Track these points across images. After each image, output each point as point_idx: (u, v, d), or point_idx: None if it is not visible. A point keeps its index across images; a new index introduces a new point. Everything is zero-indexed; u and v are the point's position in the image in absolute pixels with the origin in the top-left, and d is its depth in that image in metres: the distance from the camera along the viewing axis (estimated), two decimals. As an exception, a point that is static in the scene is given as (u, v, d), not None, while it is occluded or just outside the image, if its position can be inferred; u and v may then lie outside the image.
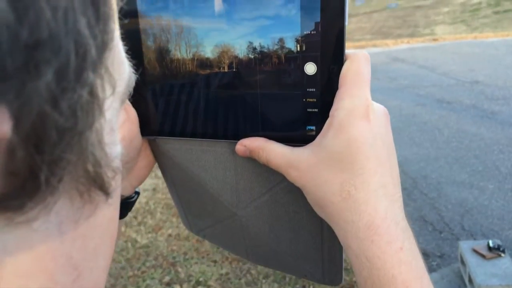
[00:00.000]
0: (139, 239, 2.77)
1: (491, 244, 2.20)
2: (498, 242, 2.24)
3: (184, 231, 2.80)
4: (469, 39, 10.54)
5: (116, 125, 0.20)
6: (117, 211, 0.23)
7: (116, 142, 0.19)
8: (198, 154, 0.44)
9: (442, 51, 8.89)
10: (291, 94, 0.40)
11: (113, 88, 0.18)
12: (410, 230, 0.36)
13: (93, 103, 0.16)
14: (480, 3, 19.92)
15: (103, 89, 0.16)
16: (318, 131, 0.39)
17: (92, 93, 0.16)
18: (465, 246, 2.30)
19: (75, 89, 0.14)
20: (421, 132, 4.37)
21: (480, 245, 2.26)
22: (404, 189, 3.24)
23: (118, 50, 0.19)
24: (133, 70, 0.21)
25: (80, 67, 0.14)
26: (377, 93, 5.57)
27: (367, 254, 0.34)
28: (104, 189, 0.18)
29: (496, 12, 17.17)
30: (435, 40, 10.68)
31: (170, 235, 2.81)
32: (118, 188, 0.21)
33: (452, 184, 3.36)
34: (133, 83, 0.20)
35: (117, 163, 0.19)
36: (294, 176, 0.38)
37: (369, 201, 0.35)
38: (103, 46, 0.16)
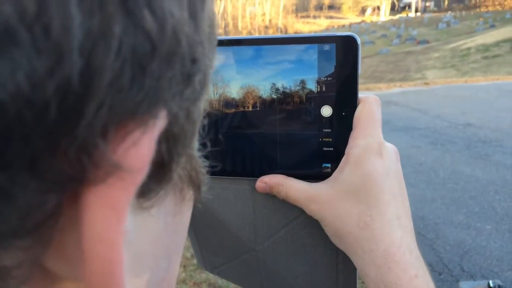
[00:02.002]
0: (135, 281, 2.72)
1: (491, 285, 2.18)
2: (499, 282, 2.22)
3: (181, 274, 2.76)
4: (460, 83, 10.77)
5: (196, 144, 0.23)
6: (190, 217, 0.26)
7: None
8: (219, 191, 0.46)
9: (434, 94, 9.06)
10: (308, 134, 0.43)
11: (206, 104, 0.21)
12: (422, 259, 0.39)
13: (201, 113, 0.19)
14: (469, 48, 20.49)
15: (203, 102, 0.20)
16: (334, 168, 0.42)
17: (199, 104, 0.19)
18: (465, 287, 2.27)
19: (201, 99, 0.18)
20: (416, 173, 4.39)
21: (481, 285, 2.24)
22: (402, 230, 3.22)
23: None
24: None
25: (204, 82, 0.18)
26: (372, 135, 5.60)
27: (384, 281, 0.37)
28: (198, 187, 0.22)
29: (485, 57, 17.64)
30: (426, 84, 10.90)
31: (166, 278, 2.77)
32: None
33: (450, 225, 3.35)
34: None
35: (204, 170, 0.22)
36: (313, 209, 0.41)
37: (385, 230, 0.38)
38: (212, 68, 0.20)
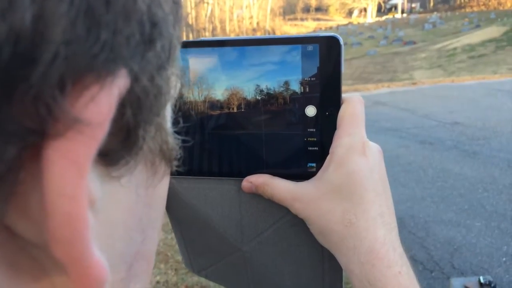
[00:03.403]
0: (127, 287, 2.70)
1: (482, 281, 2.21)
2: (489, 278, 2.24)
3: (173, 277, 2.75)
4: (446, 83, 10.86)
5: (169, 121, 0.23)
6: (166, 193, 0.27)
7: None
8: (206, 192, 0.46)
9: (422, 94, 9.14)
10: (293, 134, 0.43)
11: (176, 81, 0.21)
12: (406, 257, 0.39)
13: (169, 86, 0.20)
14: (455, 48, 20.68)
15: (173, 77, 0.20)
16: (319, 167, 0.42)
17: (169, 77, 0.19)
18: (456, 284, 2.29)
19: (166, 68, 0.18)
20: (406, 173, 4.42)
21: (472, 282, 2.26)
22: (392, 229, 3.23)
23: None
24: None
25: (169, 51, 0.18)
26: (361, 136, 5.61)
27: (369, 278, 0.37)
28: (169, 162, 0.22)
29: (471, 57, 17.81)
30: (414, 84, 10.98)
31: (158, 282, 2.75)
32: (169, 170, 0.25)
33: (440, 223, 3.38)
34: (178, 90, 0.24)
35: (176, 146, 0.23)
36: (298, 208, 0.41)
37: (369, 228, 0.38)
38: (178, 41, 0.20)
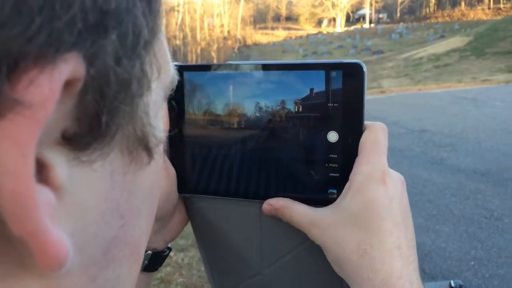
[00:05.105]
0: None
1: (453, 285, 2.25)
2: (460, 282, 2.29)
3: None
4: (414, 91, 11.14)
5: (160, 113, 0.23)
6: (158, 183, 0.26)
7: (161, 129, 0.23)
8: (228, 213, 0.46)
9: (390, 102, 9.33)
10: (315, 159, 0.43)
11: (158, 72, 0.22)
12: None
13: (143, 77, 0.20)
14: (421, 58, 21.23)
15: (151, 69, 0.20)
16: (339, 194, 0.42)
17: (143, 68, 0.19)
18: (427, 289, 2.33)
19: (131, 58, 0.18)
20: (376, 179, 4.49)
21: (443, 286, 2.30)
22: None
23: (163, 47, 0.23)
24: (177, 73, 0.26)
25: (136, 42, 0.18)
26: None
27: None
28: (148, 150, 0.22)
29: (437, 66, 18.31)
30: (382, 92, 11.22)
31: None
32: (160, 159, 0.25)
33: (410, 229, 3.43)
34: (175, 83, 0.25)
35: (161, 136, 0.23)
36: (315, 233, 0.41)
37: (384, 260, 0.37)
38: (152, 33, 0.20)
